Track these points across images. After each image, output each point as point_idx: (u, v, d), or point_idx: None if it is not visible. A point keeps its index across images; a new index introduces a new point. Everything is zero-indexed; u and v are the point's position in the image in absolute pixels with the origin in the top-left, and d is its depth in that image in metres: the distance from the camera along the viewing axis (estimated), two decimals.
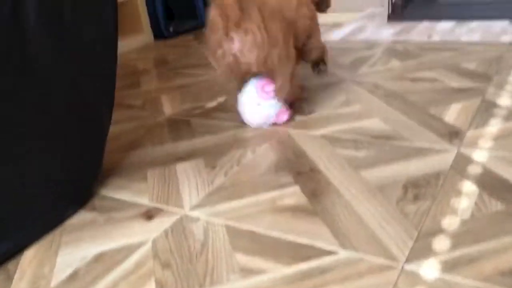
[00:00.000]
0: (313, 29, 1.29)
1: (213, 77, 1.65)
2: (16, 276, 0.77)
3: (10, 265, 0.80)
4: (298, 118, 1.21)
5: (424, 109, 1.16)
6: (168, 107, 1.42)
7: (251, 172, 0.98)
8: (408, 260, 0.68)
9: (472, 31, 1.78)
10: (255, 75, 1.16)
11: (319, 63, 1.39)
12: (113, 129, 1.27)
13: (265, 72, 1.12)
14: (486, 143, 0.97)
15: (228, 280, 0.70)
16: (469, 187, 0.83)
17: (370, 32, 1.96)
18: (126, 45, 2.24)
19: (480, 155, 0.93)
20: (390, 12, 2.08)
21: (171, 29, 2.39)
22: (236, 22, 1.03)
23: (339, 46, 1.82)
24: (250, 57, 1.06)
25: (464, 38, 1.71)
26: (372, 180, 0.89)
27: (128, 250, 0.79)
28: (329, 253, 0.72)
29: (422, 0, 2.21)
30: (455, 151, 0.95)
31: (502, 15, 1.87)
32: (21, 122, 0.78)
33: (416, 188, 0.85)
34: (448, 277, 0.64)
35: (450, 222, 0.75)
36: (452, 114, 1.12)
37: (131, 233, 0.84)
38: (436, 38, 1.76)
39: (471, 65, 1.43)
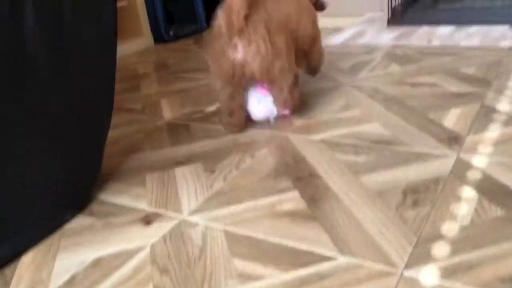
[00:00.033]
0: (316, 35, 1.30)
1: (210, 81, 1.65)
2: (13, 281, 0.77)
3: (7, 269, 0.80)
4: (298, 122, 1.21)
5: (423, 114, 1.16)
6: (168, 111, 1.42)
7: (250, 177, 0.98)
8: (407, 266, 0.68)
9: (472, 36, 1.78)
10: (254, 83, 1.16)
11: (316, 68, 1.39)
12: (112, 133, 1.28)
13: (266, 81, 1.13)
14: (485, 149, 0.97)
15: (226, 286, 0.69)
16: (468, 192, 0.83)
17: (370, 37, 1.96)
18: (126, 48, 2.24)
19: (480, 161, 0.93)
20: (389, 16, 2.08)
21: (171, 33, 2.39)
22: (240, 30, 1.04)
23: (339, 50, 1.82)
24: (252, 66, 1.07)
25: (464, 43, 1.71)
26: (371, 185, 0.89)
27: (126, 256, 0.79)
28: (328, 259, 0.72)
29: (421, 5, 2.21)
30: (455, 157, 0.95)
31: (502, 20, 1.87)
32: (20, 123, 0.78)
33: (415, 194, 0.85)
34: (448, 283, 0.64)
35: (450, 228, 0.75)
36: (452, 119, 1.12)
37: (129, 238, 0.84)
38: (435, 42, 1.76)
39: (471, 70, 1.43)
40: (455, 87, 1.31)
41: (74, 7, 0.80)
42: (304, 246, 0.75)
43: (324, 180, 0.93)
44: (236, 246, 0.77)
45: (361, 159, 0.99)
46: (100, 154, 0.99)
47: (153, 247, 0.80)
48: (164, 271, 0.74)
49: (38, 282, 0.76)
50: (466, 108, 1.16)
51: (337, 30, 2.13)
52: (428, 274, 0.66)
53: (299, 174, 0.97)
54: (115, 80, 0.98)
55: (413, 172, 0.92)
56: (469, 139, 1.01)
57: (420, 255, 0.70)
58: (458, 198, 0.82)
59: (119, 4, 2.26)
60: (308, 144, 1.09)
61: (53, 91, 0.82)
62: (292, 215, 0.84)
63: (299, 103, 1.22)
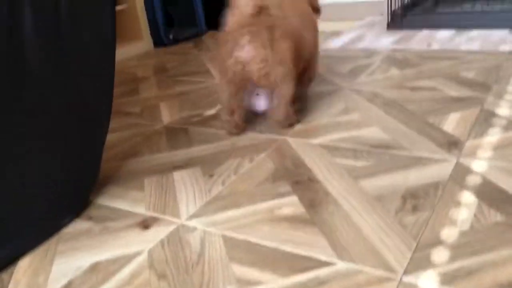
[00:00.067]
0: (315, 52, 1.33)
1: (212, 84, 1.65)
2: (10, 286, 0.76)
3: (4, 274, 0.79)
4: (297, 126, 1.21)
5: (423, 118, 1.16)
6: (167, 115, 1.42)
7: (249, 181, 0.98)
8: (407, 272, 0.68)
9: (472, 40, 1.78)
10: (254, 86, 1.17)
11: (308, 83, 1.40)
12: (110, 137, 1.28)
13: (265, 86, 1.14)
14: (485, 153, 0.96)
15: None
16: (468, 198, 0.83)
17: (369, 41, 1.96)
18: (126, 52, 2.24)
19: (479, 165, 0.92)
20: (389, 20, 2.08)
21: (171, 36, 2.39)
22: (244, 29, 1.06)
23: (338, 54, 1.82)
24: (252, 68, 1.08)
25: (464, 47, 1.71)
26: (370, 190, 0.89)
27: (124, 260, 0.79)
28: (327, 264, 0.71)
29: (421, 8, 2.21)
30: (454, 161, 0.95)
31: (502, 24, 1.87)
32: (19, 126, 0.78)
33: (415, 199, 0.84)
34: None
35: (449, 234, 0.74)
36: (451, 123, 1.11)
37: (127, 243, 0.83)
38: (435, 46, 1.76)
39: (470, 74, 1.42)
40: (454, 91, 1.31)
41: (72, 9, 0.80)
42: (303, 251, 0.75)
43: (323, 185, 0.93)
44: (234, 251, 0.77)
45: (360, 163, 0.99)
46: (99, 158, 0.99)
47: (151, 252, 0.80)
48: (161, 276, 0.74)
49: (35, 287, 0.75)
50: (465, 113, 1.16)
51: (336, 34, 2.13)
52: (428, 280, 0.66)
53: (298, 178, 0.96)
54: (114, 83, 0.97)
55: (413, 177, 0.91)
56: (469, 144, 1.01)
57: (419, 261, 0.69)
58: (457, 203, 0.82)
59: (119, 8, 2.27)
60: (307, 148, 1.09)
61: (51, 92, 0.82)
62: (291, 220, 0.83)
63: (296, 119, 1.22)
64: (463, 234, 0.74)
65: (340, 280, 0.68)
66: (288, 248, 0.76)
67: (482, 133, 1.05)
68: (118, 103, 1.55)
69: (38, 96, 0.79)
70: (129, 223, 0.89)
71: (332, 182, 0.93)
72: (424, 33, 1.96)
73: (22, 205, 0.83)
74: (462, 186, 0.86)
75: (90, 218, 0.93)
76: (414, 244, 0.73)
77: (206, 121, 1.33)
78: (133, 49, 2.30)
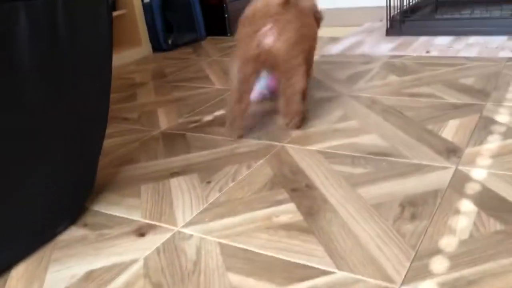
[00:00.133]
0: (312, 63, 1.37)
1: (211, 90, 1.65)
2: None
3: None
4: (295, 133, 1.20)
5: (421, 125, 1.15)
6: (164, 121, 1.41)
7: (246, 188, 0.97)
8: (405, 281, 0.67)
9: (470, 47, 1.78)
10: (272, 70, 1.22)
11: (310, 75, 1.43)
12: (107, 143, 1.27)
13: (282, 74, 1.18)
14: (484, 161, 0.96)
15: None
16: (467, 206, 0.82)
17: (368, 47, 1.96)
18: (125, 57, 2.24)
19: (479, 173, 0.91)
20: (388, 26, 2.08)
21: (170, 42, 2.39)
22: (274, 19, 1.12)
23: (337, 60, 1.81)
24: (273, 55, 1.13)
25: (462, 53, 1.71)
26: (368, 197, 0.88)
27: (119, 269, 0.78)
28: (325, 273, 0.70)
29: (420, 15, 2.21)
30: (453, 169, 0.94)
31: (501, 30, 1.87)
32: (14, 133, 0.77)
33: (413, 207, 0.83)
34: None
35: (448, 243, 0.73)
36: (450, 130, 1.11)
37: (122, 251, 0.82)
38: (434, 53, 1.76)
39: (469, 81, 1.42)
40: (453, 98, 1.30)
41: (68, 16, 0.79)
42: (300, 260, 0.74)
43: (321, 192, 0.92)
44: (231, 260, 0.76)
45: (358, 170, 0.98)
46: (95, 164, 0.98)
47: (146, 260, 0.79)
48: (157, 285, 0.73)
49: None
50: (465, 120, 1.15)
51: (335, 39, 2.13)
52: None
53: (295, 185, 0.96)
54: (111, 89, 0.97)
55: (411, 185, 0.90)
56: (468, 151, 1.00)
57: (418, 270, 0.68)
58: (456, 212, 0.81)
59: (118, 13, 2.26)
60: (305, 155, 1.08)
61: (47, 100, 0.81)
62: (289, 228, 0.82)
63: (302, 117, 1.23)
64: (462, 243, 0.73)
65: None
66: (285, 256, 0.75)
67: (481, 140, 1.04)
68: (115, 109, 1.55)
69: (33, 104, 0.78)
70: (125, 230, 0.88)
71: (329, 190, 0.92)
72: (423, 39, 1.96)
73: (16, 212, 0.82)
74: (461, 194, 0.86)
75: (85, 225, 0.92)
76: (413, 253, 0.72)
77: (204, 127, 1.32)
78: (132, 54, 2.30)
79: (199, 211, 0.91)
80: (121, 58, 2.21)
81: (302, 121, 1.23)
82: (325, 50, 1.97)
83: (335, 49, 1.98)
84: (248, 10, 1.17)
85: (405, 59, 1.72)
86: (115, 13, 2.25)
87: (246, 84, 1.19)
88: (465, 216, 0.79)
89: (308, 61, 1.27)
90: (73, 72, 0.84)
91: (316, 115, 1.30)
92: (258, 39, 1.13)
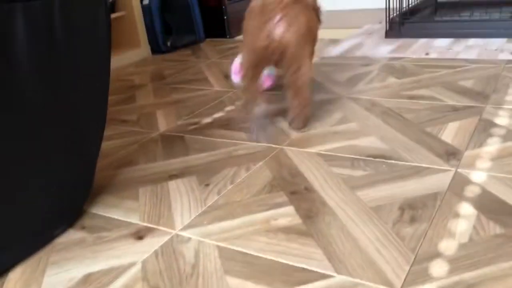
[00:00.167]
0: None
1: (209, 92, 1.64)
2: None
3: None
4: (294, 135, 1.20)
5: (421, 127, 1.15)
6: (163, 123, 1.41)
7: (245, 191, 0.96)
8: (405, 285, 0.66)
9: (470, 49, 1.78)
10: (282, 59, 1.22)
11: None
12: (106, 145, 1.26)
13: (295, 58, 1.19)
14: (484, 164, 0.95)
15: None
16: (467, 209, 0.82)
17: (367, 49, 1.95)
18: (123, 59, 2.23)
19: (479, 176, 0.91)
20: (387, 29, 2.08)
21: (168, 43, 2.39)
22: (285, 11, 1.15)
23: (336, 62, 1.81)
24: (283, 45, 1.16)
25: (462, 55, 1.71)
26: (368, 200, 0.88)
27: (117, 272, 0.77)
28: (324, 277, 0.70)
29: (419, 17, 2.21)
30: (453, 172, 0.94)
31: (500, 33, 1.87)
32: (12, 136, 0.77)
33: (412, 210, 0.83)
34: None
35: (448, 246, 0.73)
36: (450, 133, 1.10)
37: (120, 254, 0.82)
38: (433, 55, 1.76)
39: (469, 83, 1.42)
40: (453, 100, 1.30)
41: (66, 18, 0.79)
42: (299, 264, 0.73)
43: (320, 195, 0.91)
44: (229, 263, 0.76)
45: (357, 173, 0.98)
46: (93, 167, 0.98)
47: (144, 263, 0.78)
48: None
49: None
50: (464, 122, 1.15)
51: (334, 42, 2.13)
52: None
53: (294, 188, 0.95)
54: (110, 91, 0.96)
55: (410, 187, 0.90)
56: (468, 154, 1.00)
57: (417, 274, 0.68)
58: (456, 215, 0.80)
59: (117, 15, 2.26)
60: (304, 157, 1.08)
61: (44, 102, 0.81)
62: (287, 231, 0.82)
63: (308, 113, 1.26)
64: (462, 246, 0.73)
65: None
66: (284, 260, 0.75)
67: (481, 143, 1.04)
68: (114, 111, 1.54)
69: (31, 105, 0.78)
70: (123, 233, 0.88)
71: (329, 192, 0.92)
72: (422, 41, 1.96)
73: (14, 214, 0.81)
74: (461, 197, 0.85)
75: (83, 228, 0.91)
76: (412, 257, 0.72)
77: (203, 129, 1.32)
78: (131, 56, 2.29)
79: (197, 214, 0.91)
80: (120, 60, 2.21)
81: (307, 119, 1.25)
82: (325, 52, 1.97)
83: (334, 51, 1.98)
84: (256, 2, 1.20)
85: (404, 61, 1.72)
86: (114, 15, 2.25)
87: (256, 72, 1.23)
88: (464, 219, 0.79)
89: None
90: (71, 73, 0.84)
91: (316, 117, 1.29)
92: (268, 30, 1.16)
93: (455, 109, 1.24)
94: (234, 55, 2.10)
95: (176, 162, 1.14)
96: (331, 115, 1.30)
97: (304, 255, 0.75)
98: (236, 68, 1.54)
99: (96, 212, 0.96)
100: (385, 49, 1.91)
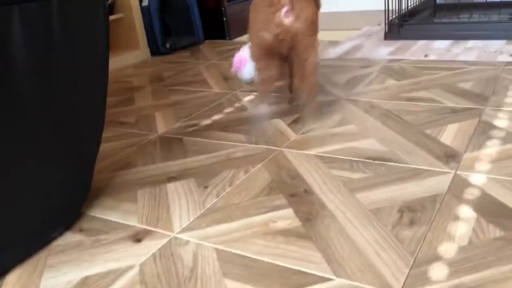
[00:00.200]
0: None
1: (208, 94, 1.64)
2: None
3: None
4: (293, 137, 1.20)
5: (420, 129, 1.15)
6: (162, 125, 1.40)
7: (244, 193, 0.96)
8: None
9: (469, 51, 1.78)
10: (292, 47, 1.25)
11: None
12: (104, 147, 1.26)
13: (305, 44, 1.22)
14: (484, 166, 0.95)
15: None
16: (466, 212, 0.81)
17: (366, 51, 1.95)
18: (122, 61, 2.23)
19: (478, 179, 0.91)
20: (386, 30, 2.08)
21: (168, 45, 2.38)
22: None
23: (335, 64, 1.81)
24: (298, 27, 1.20)
25: (461, 57, 1.71)
26: (367, 203, 0.87)
27: (115, 275, 0.77)
28: (322, 280, 0.69)
29: (418, 19, 2.21)
30: (452, 174, 0.93)
31: (499, 34, 1.87)
32: (10, 139, 0.76)
33: (412, 212, 0.83)
34: None
35: (447, 249, 0.73)
36: (449, 135, 1.10)
37: (118, 257, 0.81)
38: (432, 57, 1.75)
39: (468, 85, 1.42)
40: (452, 102, 1.30)
41: (63, 19, 0.79)
42: (297, 267, 0.73)
43: (319, 197, 0.91)
44: (227, 266, 0.75)
45: (356, 175, 0.98)
46: (91, 169, 0.97)
47: (142, 266, 0.78)
48: None
49: None
50: (463, 124, 1.15)
51: (333, 43, 2.12)
52: None
53: (293, 190, 0.95)
54: (109, 93, 0.96)
55: (410, 190, 0.90)
56: (467, 156, 1.00)
57: (417, 277, 0.68)
58: (456, 217, 0.80)
59: (116, 16, 2.26)
60: (303, 159, 1.07)
61: (42, 104, 0.80)
62: (286, 233, 0.82)
63: (316, 89, 1.30)
64: (461, 249, 0.72)
65: None
66: (283, 263, 0.74)
67: (480, 145, 1.04)
68: (113, 113, 1.54)
69: (28, 107, 0.77)
70: (121, 236, 0.87)
71: (328, 195, 0.92)
72: (421, 43, 1.96)
73: (11, 217, 0.81)
74: (461, 199, 0.85)
75: (81, 231, 0.91)
76: (412, 260, 0.71)
77: (201, 131, 1.31)
78: (130, 58, 2.29)
79: (196, 216, 0.90)
80: (119, 62, 2.20)
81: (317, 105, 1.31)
82: (324, 54, 1.96)
83: (333, 53, 1.98)
84: None
85: (403, 63, 1.72)
86: (113, 17, 2.25)
87: (268, 63, 1.26)
88: (464, 222, 0.79)
89: None
90: (69, 74, 0.83)
91: (315, 119, 1.29)
92: (278, 19, 1.20)
93: (454, 111, 1.24)
94: (234, 56, 2.10)
95: (175, 164, 1.13)
96: (330, 117, 1.29)
97: (302, 258, 0.75)
98: (238, 61, 1.56)
99: (94, 214, 0.96)
100: (384, 51, 1.91)
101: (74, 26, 0.81)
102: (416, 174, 0.95)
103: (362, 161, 1.03)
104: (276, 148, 1.15)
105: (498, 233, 0.75)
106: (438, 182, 0.91)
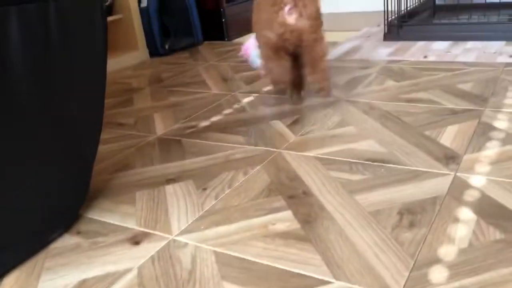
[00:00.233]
0: None
1: (207, 95, 1.63)
2: None
3: None
4: (292, 139, 1.19)
5: (419, 131, 1.14)
6: (160, 126, 1.40)
7: (243, 195, 0.96)
8: None
9: (468, 52, 1.77)
10: (298, 44, 1.28)
11: None
12: (102, 149, 1.26)
13: (311, 40, 1.26)
14: (483, 168, 0.95)
15: None
16: (466, 214, 0.81)
17: (365, 52, 1.95)
18: (121, 62, 2.23)
19: (478, 180, 0.90)
20: (386, 31, 2.07)
21: (166, 46, 2.38)
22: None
23: (334, 65, 1.80)
24: (302, 25, 1.23)
25: (460, 58, 1.71)
26: (366, 205, 0.87)
27: (113, 278, 0.76)
28: (322, 283, 0.69)
29: (418, 20, 2.21)
30: (452, 176, 0.93)
31: (498, 35, 1.87)
32: (8, 141, 0.76)
33: (411, 214, 0.82)
34: None
35: (447, 251, 0.72)
36: (449, 136, 1.10)
37: (116, 259, 0.81)
38: (431, 58, 1.75)
39: (467, 86, 1.41)
40: (451, 103, 1.29)
41: (61, 21, 0.78)
42: (297, 269, 0.72)
43: (318, 199, 0.91)
44: (226, 269, 0.75)
45: (356, 177, 0.97)
46: (89, 170, 0.97)
47: (140, 269, 0.78)
48: None
49: None
50: (463, 126, 1.15)
51: (333, 44, 2.12)
52: None
53: (292, 192, 0.94)
54: (107, 94, 0.95)
55: (409, 192, 0.89)
56: (467, 158, 0.99)
57: (417, 280, 0.67)
58: (455, 220, 0.80)
59: (114, 17, 2.25)
60: (302, 161, 1.07)
61: (40, 106, 0.80)
62: (285, 236, 0.81)
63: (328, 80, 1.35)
64: (461, 252, 0.72)
65: None
66: (282, 265, 0.74)
67: (480, 146, 1.04)
68: (111, 114, 1.53)
69: (26, 109, 0.77)
70: (119, 238, 0.87)
71: (327, 197, 0.91)
72: (421, 44, 1.96)
73: (11, 217, 0.80)
74: (460, 201, 0.84)
75: (79, 233, 0.90)
76: (412, 263, 0.71)
77: (200, 133, 1.31)
78: (129, 59, 2.28)
79: (194, 218, 0.90)
80: (117, 63, 2.20)
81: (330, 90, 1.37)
82: None
83: (333, 53, 1.98)
84: None
85: (402, 64, 1.71)
86: (111, 18, 2.24)
87: (277, 61, 1.28)
88: (464, 224, 0.78)
89: None
90: (67, 75, 0.83)
91: (314, 120, 1.29)
92: (281, 18, 1.23)
93: (453, 112, 1.23)
94: (233, 57, 2.09)
95: (173, 166, 1.13)
96: (329, 118, 1.29)
97: (302, 261, 0.74)
98: (244, 50, 1.67)
99: (92, 216, 0.95)
100: (384, 52, 1.91)
101: (72, 26, 0.81)
102: (416, 175, 0.95)
103: (361, 162, 1.03)
104: (275, 149, 1.15)
105: (498, 235, 0.74)
106: (437, 184, 0.91)
